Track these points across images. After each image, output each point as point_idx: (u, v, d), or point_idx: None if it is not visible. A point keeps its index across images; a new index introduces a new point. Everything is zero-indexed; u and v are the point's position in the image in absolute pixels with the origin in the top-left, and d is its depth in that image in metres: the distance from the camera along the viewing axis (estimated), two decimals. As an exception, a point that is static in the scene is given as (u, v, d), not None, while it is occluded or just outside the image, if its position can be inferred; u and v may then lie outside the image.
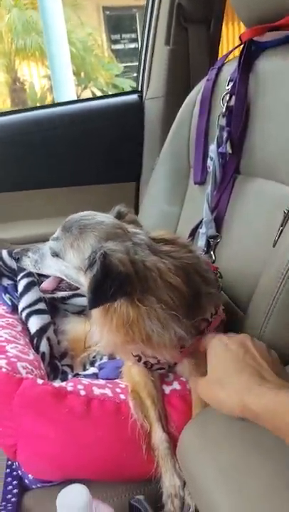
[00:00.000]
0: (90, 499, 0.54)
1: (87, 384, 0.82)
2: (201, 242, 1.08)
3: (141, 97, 1.60)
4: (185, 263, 0.71)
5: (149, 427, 0.76)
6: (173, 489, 0.71)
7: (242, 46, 1.02)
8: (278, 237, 0.78)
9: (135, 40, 9.62)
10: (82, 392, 0.79)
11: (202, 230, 1.09)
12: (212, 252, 1.06)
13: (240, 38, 1.04)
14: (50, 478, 0.80)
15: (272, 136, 0.92)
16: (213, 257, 1.05)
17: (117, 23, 10.14)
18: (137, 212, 1.50)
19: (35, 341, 1.00)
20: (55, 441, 0.77)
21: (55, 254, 0.79)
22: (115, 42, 10.30)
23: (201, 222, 1.12)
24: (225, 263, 1.01)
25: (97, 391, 0.80)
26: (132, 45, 9.65)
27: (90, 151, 1.59)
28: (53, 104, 1.72)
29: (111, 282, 0.64)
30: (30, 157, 1.53)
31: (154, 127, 1.56)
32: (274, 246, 0.79)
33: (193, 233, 1.17)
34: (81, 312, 1.20)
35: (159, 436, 0.75)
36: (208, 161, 1.13)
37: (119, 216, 0.84)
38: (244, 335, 0.68)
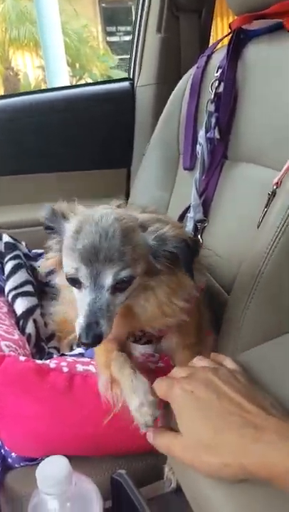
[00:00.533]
0: (71, 471, 0.55)
1: (71, 361, 0.82)
2: (189, 226, 1.09)
3: (132, 84, 1.60)
4: None
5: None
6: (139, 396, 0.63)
7: (231, 34, 1.03)
8: (262, 219, 0.79)
9: (131, 32, 9.58)
10: (65, 369, 0.79)
11: (190, 215, 1.10)
12: (199, 236, 1.07)
13: (229, 26, 1.05)
14: (33, 455, 0.81)
15: (258, 122, 0.93)
16: (201, 241, 1.06)
17: (113, 15, 10.08)
18: (128, 197, 1.50)
19: (21, 323, 1.01)
20: (38, 418, 0.77)
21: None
22: (111, 34, 10.24)
23: (189, 206, 1.13)
24: (212, 246, 1.01)
25: (80, 367, 0.81)
26: (128, 38, 9.58)
27: (82, 137, 1.59)
28: (45, 90, 1.71)
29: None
30: (22, 142, 1.52)
31: (145, 114, 1.56)
32: (258, 227, 0.80)
33: (182, 218, 1.19)
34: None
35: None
36: (198, 146, 1.14)
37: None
38: (202, 369, 0.56)
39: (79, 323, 0.60)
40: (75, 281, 0.62)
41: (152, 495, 0.70)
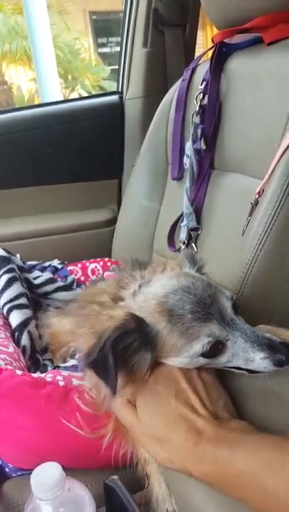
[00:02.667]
0: (63, 476, 0.57)
1: (66, 375, 0.84)
2: (182, 235, 1.11)
3: (121, 97, 1.63)
4: None
5: None
6: (170, 505, 0.65)
7: (214, 48, 1.06)
8: (246, 227, 0.82)
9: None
10: (61, 383, 0.81)
11: (183, 223, 1.12)
12: (193, 244, 1.09)
13: (212, 40, 1.08)
14: (28, 466, 0.82)
15: (241, 133, 0.96)
16: (195, 249, 1.09)
17: (104, 27, 10.19)
18: (119, 208, 1.53)
19: (16, 335, 1.02)
20: (33, 431, 0.78)
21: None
22: (102, 45, 10.34)
23: (181, 216, 1.16)
24: (206, 254, 1.05)
25: (76, 382, 0.82)
26: (119, 48, 9.68)
27: (73, 150, 1.62)
28: (36, 105, 1.75)
29: None
30: (14, 156, 1.55)
31: (134, 126, 1.60)
32: (243, 235, 0.82)
33: (174, 228, 1.21)
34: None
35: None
36: (185, 158, 1.16)
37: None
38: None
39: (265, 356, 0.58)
40: (217, 346, 0.58)
41: (145, 500, 0.71)
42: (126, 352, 0.57)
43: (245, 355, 0.59)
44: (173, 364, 0.61)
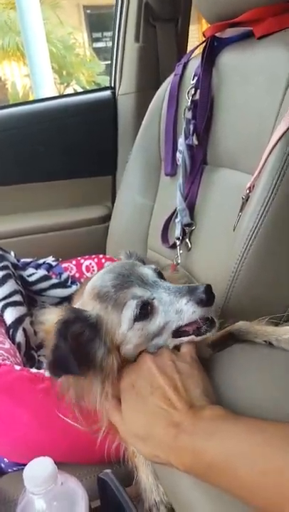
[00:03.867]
0: (55, 471, 0.57)
1: None
2: (177, 231, 1.12)
3: (114, 93, 1.63)
4: None
5: None
6: (157, 495, 0.69)
7: (205, 42, 1.06)
8: (237, 222, 0.82)
9: (115, 39, 9.61)
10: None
11: (177, 219, 1.13)
12: (188, 240, 1.10)
13: (203, 34, 1.08)
14: (23, 461, 0.82)
15: (233, 128, 0.96)
16: (190, 245, 1.09)
17: (98, 21, 10.12)
18: (113, 204, 1.53)
19: (11, 332, 1.03)
20: (30, 425, 0.79)
21: None
22: (96, 40, 10.29)
23: (174, 212, 1.16)
24: (200, 249, 1.05)
25: None
26: (112, 44, 9.63)
27: (67, 146, 1.61)
28: (28, 102, 1.74)
29: None
30: (6, 153, 1.55)
31: (127, 122, 1.59)
32: (234, 230, 0.83)
33: (168, 224, 1.21)
34: (59, 304, 1.23)
35: None
36: (178, 153, 1.16)
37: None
38: (147, 358, 0.62)
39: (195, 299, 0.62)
40: (144, 308, 0.63)
41: (138, 493, 0.72)
42: (81, 346, 0.61)
43: (174, 307, 0.63)
44: (131, 353, 0.64)
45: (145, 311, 0.63)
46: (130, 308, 0.62)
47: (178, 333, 0.65)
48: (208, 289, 0.62)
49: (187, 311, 0.62)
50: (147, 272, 0.67)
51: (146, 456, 0.57)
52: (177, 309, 0.63)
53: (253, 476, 0.45)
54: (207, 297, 0.61)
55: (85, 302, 0.67)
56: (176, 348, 0.66)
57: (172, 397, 0.55)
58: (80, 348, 0.60)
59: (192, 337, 0.65)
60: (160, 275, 0.68)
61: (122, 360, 0.64)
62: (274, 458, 0.44)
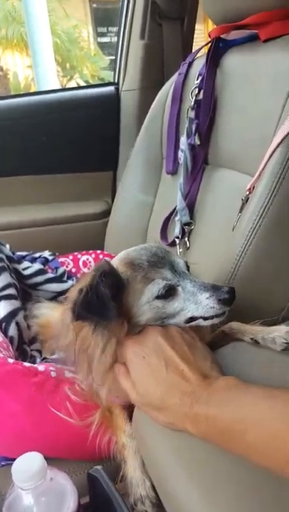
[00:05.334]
0: (45, 466, 0.57)
1: (59, 367, 0.85)
2: (176, 230, 1.12)
3: (117, 89, 1.62)
4: None
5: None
6: (143, 489, 0.70)
7: (210, 43, 1.06)
8: (236, 223, 0.82)
9: (121, 34, 9.56)
10: (53, 374, 0.82)
11: (177, 218, 1.13)
12: (186, 239, 1.10)
13: (209, 34, 1.08)
14: (13, 455, 0.82)
15: (235, 129, 0.96)
16: (188, 244, 1.09)
17: (104, 15, 10.07)
18: (113, 200, 1.53)
19: (3, 326, 1.02)
20: (22, 419, 0.79)
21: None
22: (102, 35, 10.23)
23: (174, 210, 1.16)
24: (198, 248, 1.05)
25: (68, 374, 0.83)
26: (117, 39, 9.57)
27: (68, 140, 1.61)
28: (30, 93, 1.73)
29: None
30: (6, 145, 1.54)
31: (130, 118, 1.59)
32: (233, 230, 0.83)
33: (167, 222, 1.22)
34: (54, 298, 1.23)
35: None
36: (180, 152, 1.16)
37: None
38: (153, 331, 0.65)
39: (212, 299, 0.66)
40: (169, 291, 0.67)
41: (127, 490, 0.72)
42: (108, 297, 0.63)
43: (195, 298, 0.67)
44: (140, 324, 0.67)
45: (168, 293, 0.67)
46: (156, 286, 0.66)
47: (190, 320, 0.69)
48: (232, 291, 0.66)
49: (206, 305, 0.67)
50: (179, 261, 0.71)
51: (161, 423, 0.59)
52: (197, 301, 0.67)
53: (262, 440, 0.47)
54: (229, 297, 0.66)
55: (116, 266, 0.70)
56: None
57: (185, 369, 0.58)
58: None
59: (200, 320, 0.68)
60: (188, 268, 0.72)
61: (128, 328, 0.66)
62: (278, 422, 0.47)
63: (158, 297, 0.66)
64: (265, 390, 0.52)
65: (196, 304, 0.67)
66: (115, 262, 0.71)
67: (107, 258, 1.34)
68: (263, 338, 0.71)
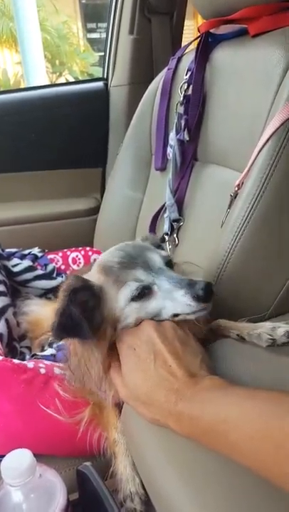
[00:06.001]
0: (34, 463, 0.57)
1: (48, 364, 0.84)
2: (165, 226, 1.11)
3: (106, 84, 1.61)
4: None
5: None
6: (133, 486, 0.70)
7: (199, 37, 1.06)
8: (225, 219, 0.82)
9: (111, 30, 9.51)
10: (43, 371, 0.82)
11: (166, 214, 1.12)
12: (175, 236, 1.10)
13: (198, 29, 1.07)
14: (3, 452, 0.82)
15: (224, 125, 0.96)
16: (177, 241, 1.09)
17: (93, 11, 10.00)
18: (102, 196, 1.52)
19: (-7, 322, 1.01)
20: (11, 415, 0.78)
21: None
22: (91, 31, 10.16)
23: (163, 207, 1.16)
24: (187, 245, 1.05)
25: (57, 371, 0.83)
26: (107, 35, 9.52)
27: (56, 136, 1.59)
28: (19, 89, 1.71)
29: None
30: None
31: (119, 114, 1.58)
32: (221, 226, 0.83)
33: (156, 218, 1.21)
34: (43, 295, 1.22)
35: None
36: (168, 148, 1.16)
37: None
38: (147, 324, 0.64)
39: (190, 291, 0.63)
40: (144, 291, 0.65)
41: (117, 486, 0.72)
42: (85, 313, 0.63)
43: (171, 296, 0.65)
44: (133, 325, 0.66)
45: (142, 293, 0.65)
46: (129, 289, 0.64)
47: (175, 315, 0.67)
48: (208, 286, 0.63)
49: (182, 302, 0.64)
50: (155, 257, 0.68)
51: (147, 419, 0.59)
52: (173, 298, 0.65)
53: (243, 441, 0.47)
54: (204, 294, 0.62)
55: (92, 273, 0.70)
56: None
57: (173, 365, 0.58)
58: (84, 315, 0.63)
59: (184, 315, 0.66)
60: (168, 263, 0.69)
61: (116, 333, 0.66)
62: (259, 423, 0.46)
63: (133, 299, 0.65)
64: (249, 390, 0.51)
65: (173, 301, 0.65)
66: (92, 271, 0.71)
67: (95, 255, 1.35)
68: (249, 334, 0.71)
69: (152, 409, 0.57)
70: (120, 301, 0.65)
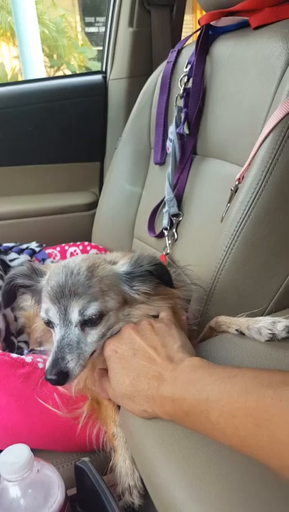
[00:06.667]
0: (31, 458, 0.56)
1: (46, 358, 0.84)
2: (164, 221, 1.11)
3: (105, 77, 1.60)
4: None
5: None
6: (132, 480, 0.70)
7: (200, 30, 1.04)
8: (225, 213, 0.81)
9: (109, 24, 9.45)
10: (41, 365, 0.81)
11: (165, 209, 1.12)
12: (174, 230, 1.09)
13: (199, 22, 1.06)
14: (0, 447, 0.82)
15: (224, 118, 0.95)
16: (176, 236, 1.08)
17: (92, 5, 9.92)
18: (101, 191, 1.51)
19: (-10, 317, 1.01)
20: (9, 410, 0.78)
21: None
22: (89, 25, 10.07)
23: (162, 201, 1.15)
24: (187, 240, 1.05)
25: None
26: (105, 28, 9.46)
27: (54, 130, 1.58)
28: (17, 82, 1.69)
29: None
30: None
31: (118, 107, 1.57)
32: (221, 221, 0.82)
33: (155, 213, 1.20)
34: (41, 290, 1.21)
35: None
36: (168, 142, 1.15)
37: None
38: (128, 327, 0.66)
39: (48, 360, 0.63)
40: (49, 324, 0.66)
41: (115, 482, 0.72)
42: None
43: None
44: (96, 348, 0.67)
45: (49, 324, 0.67)
46: (44, 310, 0.67)
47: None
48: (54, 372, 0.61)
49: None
50: (75, 310, 0.64)
51: (136, 413, 0.60)
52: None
53: (224, 419, 0.47)
54: (49, 378, 0.61)
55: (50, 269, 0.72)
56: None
57: (152, 355, 0.60)
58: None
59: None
60: (88, 321, 0.65)
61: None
62: (238, 401, 0.47)
63: (43, 319, 0.67)
64: (229, 369, 0.52)
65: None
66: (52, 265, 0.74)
67: (93, 250, 1.34)
68: (248, 328, 0.71)
69: (138, 400, 0.59)
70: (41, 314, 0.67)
